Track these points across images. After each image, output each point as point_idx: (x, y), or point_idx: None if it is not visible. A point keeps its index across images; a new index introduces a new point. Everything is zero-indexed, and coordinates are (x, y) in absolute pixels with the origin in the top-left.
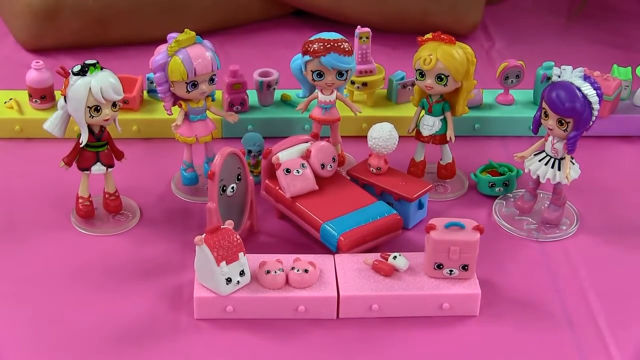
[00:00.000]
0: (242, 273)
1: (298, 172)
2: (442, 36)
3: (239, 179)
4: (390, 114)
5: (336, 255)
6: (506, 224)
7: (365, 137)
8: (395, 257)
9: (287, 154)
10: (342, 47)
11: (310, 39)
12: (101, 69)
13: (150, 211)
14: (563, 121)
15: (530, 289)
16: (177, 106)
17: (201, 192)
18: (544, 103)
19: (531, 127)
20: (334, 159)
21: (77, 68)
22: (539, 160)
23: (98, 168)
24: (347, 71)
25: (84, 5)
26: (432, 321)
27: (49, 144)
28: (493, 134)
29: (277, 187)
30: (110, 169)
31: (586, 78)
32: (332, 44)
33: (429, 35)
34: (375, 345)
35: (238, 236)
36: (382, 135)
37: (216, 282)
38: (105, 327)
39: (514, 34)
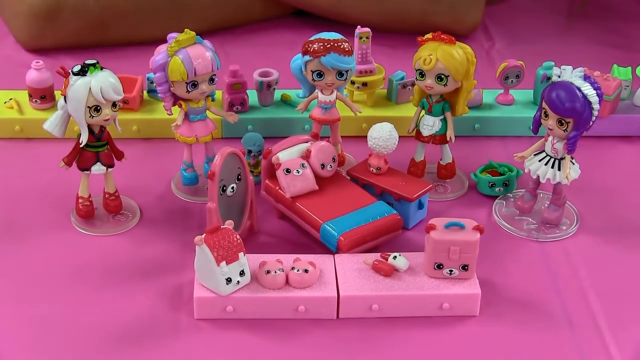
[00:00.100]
0: (242, 273)
1: (298, 172)
2: (442, 36)
3: (239, 179)
4: (390, 114)
5: (336, 255)
6: (506, 224)
7: (365, 137)
8: (395, 257)
9: (287, 154)
10: (342, 47)
11: (310, 39)
12: (101, 69)
13: (150, 211)
14: (563, 121)
15: (530, 289)
16: (177, 106)
17: (201, 192)
18: (544, 103)
19: (531, 127)
20: (334, 159)
21: (77, 68)
22: (539, 160)
23: (98, 168)
24: (347, 71)
25: (84, 5)
26: (432, 321)
27: (49, 144)
28: (493, 134)
29: (277, 187)
30: (110, 169)
31: (586, 78)
32: (332, 44)
33: (429, 35)
34: (375, 345)
35: (238, 236)
36: (382, 135)
37: (216, 282)
38: (105, 327)
39: (514, 34)
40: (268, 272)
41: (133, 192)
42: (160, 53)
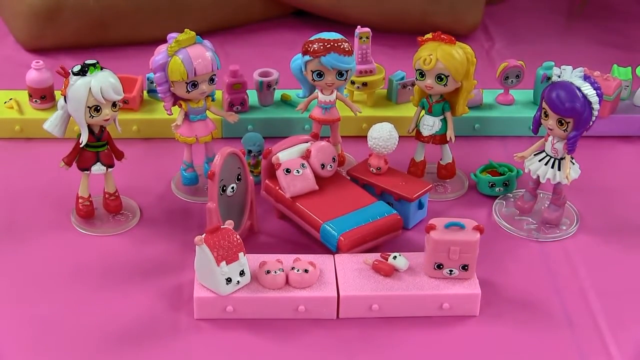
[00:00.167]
0: (242, 273)
1: (298, 172)
2: (442, 36)
3: (239, 179)
4: (390, 114)
5: (336, 255)
6: (506, 224)
7: (365, 137)
8: (395, 257)
9: (287, 154)
10: (342, 47)
11: (310, 39)
12: (101, 69)
13: (150, 211)
14: (563, 121)
15: (530, 289)
16: (177, 106)
17: (201, 192)
18: (544, 103)
19: (531, 127)
20: (334, 159)
21: (77, 68)
22: (539, 160)
23: (98, 168)
24: (347, 71)
25: (84, 5)
26: (432, 321)
27: (49, 144)
28: (493, 134)
29: (277, 187)
30: (110, 169)
31: (586, 78)
32: (332, 44)
33: (429, 35)
34: (375, 345)
35: (238, 236)
36: (382, 135)
37: (216, 282)
38: (105, 327)
39: (514, 34)
40: (268, 272)
41: (133, 192)
42: (160, 53)
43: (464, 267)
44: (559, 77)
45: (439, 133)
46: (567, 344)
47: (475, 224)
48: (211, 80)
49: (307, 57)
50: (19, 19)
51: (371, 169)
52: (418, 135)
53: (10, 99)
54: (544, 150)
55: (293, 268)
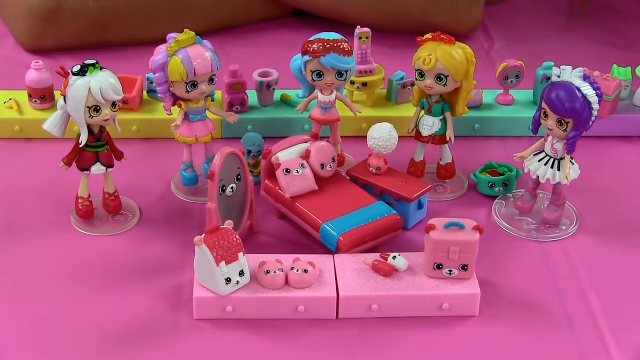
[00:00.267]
0: (241, 273)
1: (297, 172)
2: (441, 36)
3: (238, 179)
4: (389, 114)
5: (336, 255)
6: (506, 224)
7: (365, 137)
8: (394, 257)
9: (286, 154)
10: (341, 47)
11: (310, 38)
12: (100, 69)
13: (150, 211)
14: (562, 121)
15: (529, 289)
16: (176, 106)
17: (201, 192)
18: (543, 103)
19: (531, 127)
20: (333, 159)
21: (76, 68)
22: (539, 160)
23: (97, 168)
24: (346, 71)
25: (84, 6)
26: (432, 321)
27: (48, 144)
28: (493, 134)
29: (277, 187)
30: (109, 169)
31: (586, 78)
32: (331, 43)
33: (428, 35)
34: (374, 345)
35: (237, 236)
36: (382, 135)
37: (215, 282)
38: (105, 327)
39: (514, 34)
40: (267, 272)
41: (133, 192)
42: (159, 53)
43: (464, 267)
44: (559, 77)
45: (439, 133)
46: (566, 344)
47: (475, 224)
48: (211, 80)
49: (306, 57)
50: (18, 20)
51: (371, 169)
52: (417, 135)
53: (10, 99)
54: (543, 150)
55: (292, 268)
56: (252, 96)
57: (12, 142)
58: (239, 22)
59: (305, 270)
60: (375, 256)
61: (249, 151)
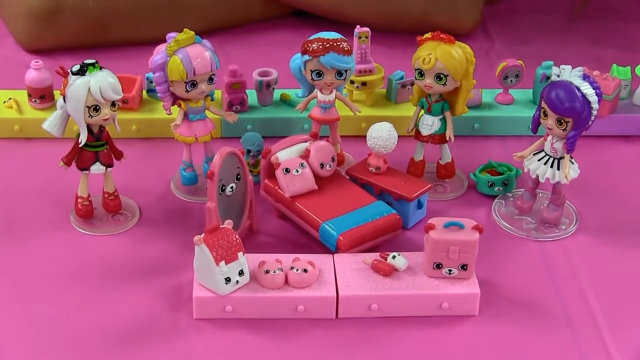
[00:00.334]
0: (241, 273)
1: (297, 171)
2: (441, 36)
3: (238, 179)
4: (389, 113)
5: (335, 255)
6: (505, 224)
7: (365, 136)
8: (394, 257)
9: (286, 154)
10: (341, 46)
11: (310, 38)
12: (100, 68)
13: (150, 211)
14: (562, 121)
15: (529, 288)
16: (176, 106)
17: (201, 192)
18: (543, 102)
19: (530, 126)
20: (333, 158)
21: (76, 68)
22: (538, 160)
23: (97, 168)
24: (346, 71)
25: (83, 6)
26: (432, 321)
27: (48, 143)
28: (492, 134)
29: (277, 187)
30: (109, 169)
31: (585, 77)
32: (331, 43)
33: (428, 35)
34: (374, 345)
35: (237, 236)
36: (382, 135)
37: (215, 281)
38: (105, 327)
39: (514, 34)
40: (267, 271)
41: (132, 192)
42: (159, 53)
43: (463, 267)
44: (558, 76)
45: (438, 132)
46: (566, 344)
47: (475, 224)
48: (210, 79)
49: (306, 57)
50: (18, 20)
51: (370, 168)
52: (417, 135)
53: (10, 98)
54: (543, 150)
55: (292, 268)
56: (251, 96)
57: (11, 142)
58: (239, 22)
59: (305, 270)
60: (375, 256)
61: (249, 151)
